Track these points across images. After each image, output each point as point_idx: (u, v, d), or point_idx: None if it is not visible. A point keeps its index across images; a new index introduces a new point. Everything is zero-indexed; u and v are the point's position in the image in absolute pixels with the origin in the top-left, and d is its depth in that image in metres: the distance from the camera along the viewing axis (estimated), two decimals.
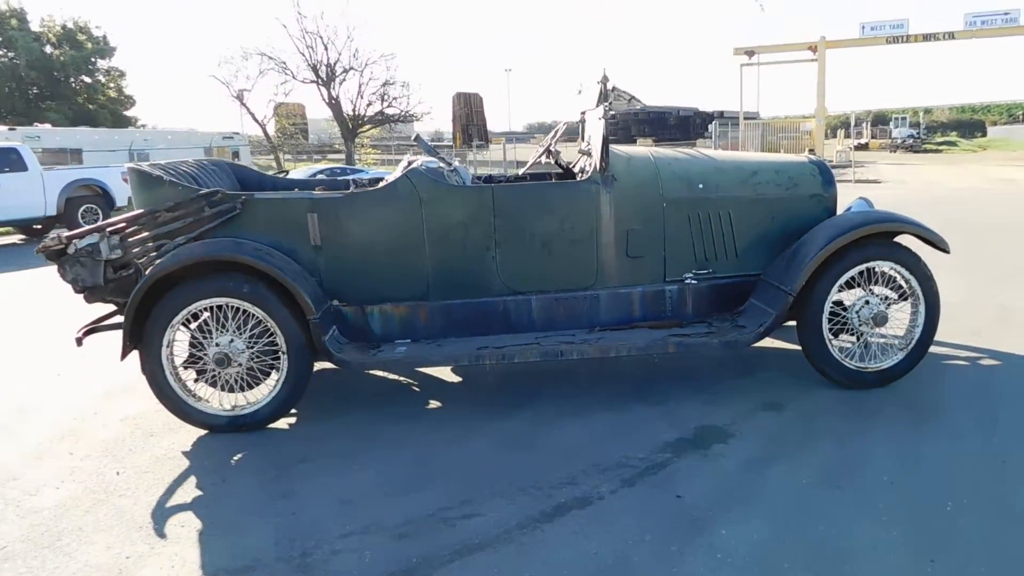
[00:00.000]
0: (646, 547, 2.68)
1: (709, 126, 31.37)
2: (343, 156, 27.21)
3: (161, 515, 3.10)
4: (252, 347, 3.85)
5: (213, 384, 3.97)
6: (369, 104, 27.51)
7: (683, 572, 2.53)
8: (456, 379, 4.67)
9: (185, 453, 3.73)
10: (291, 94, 29.11)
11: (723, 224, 4.20)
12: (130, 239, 3.85)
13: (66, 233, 3.84)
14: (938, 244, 4.10)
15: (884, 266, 4.00)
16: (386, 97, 27.15)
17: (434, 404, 4.30)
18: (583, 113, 4.39)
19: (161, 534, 2.95)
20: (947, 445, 3.40)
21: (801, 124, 28.28)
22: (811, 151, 5.33)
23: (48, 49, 34.95)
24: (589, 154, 4.41)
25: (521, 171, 5.36)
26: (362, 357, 3.90)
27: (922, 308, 4.05)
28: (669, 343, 3.90)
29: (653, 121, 50.26)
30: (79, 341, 3.93)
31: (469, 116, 36.35)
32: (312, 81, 26.90)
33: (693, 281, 4.18)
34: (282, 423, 4.02)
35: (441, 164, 4.15)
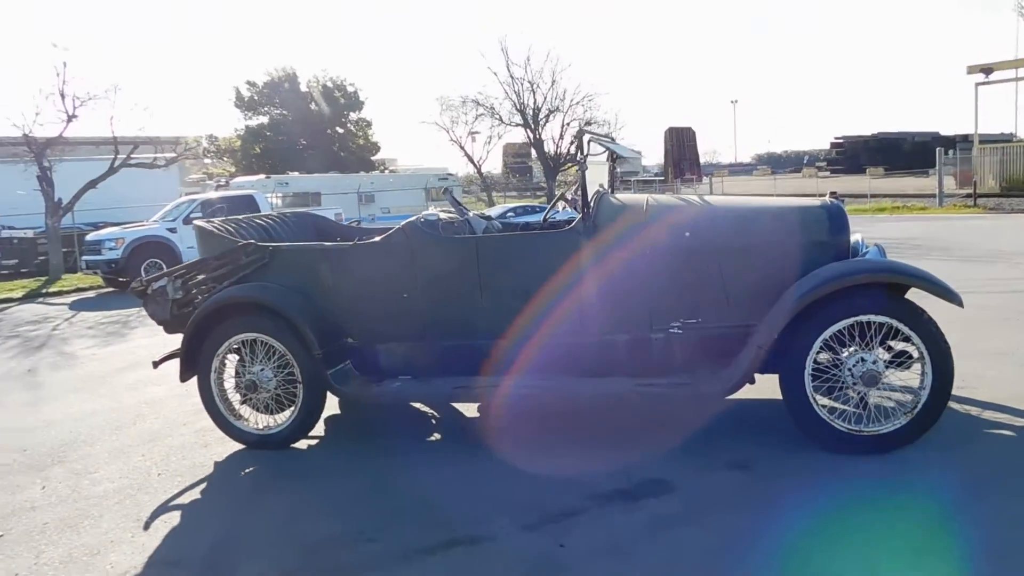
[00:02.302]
0: None
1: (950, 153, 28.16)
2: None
3: (159, 511, 3.78)
4: (278, 376, 4.48)
5: (255, 407, 4.65)
6: (572, 143, 28.44)
7: None
8: (475, 414, 4.95)
9: (217, 463, 4.42)
10: (504, 136, 31.19)
11: (712, 272, 4.08)
12: (189, 282, 4.69)
13: (146, 278, 4.78)
14: (949, 298, 3.65)
15: (879, 320, 3.65)
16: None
17: (435, 437, 4.64)
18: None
19: (146, 526, 3.61)
20: (897, 526, 3.04)
21: None
22: (833, 193, 4.64)
23: (312, 106, 40.61)
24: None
25: (542, 218, 5.54)
26: (358, 391, 4.37)
27: (928, 368, 3.62)
28: (636, 391, 3.89)
29: (886, 148, 45.59)
30: (155, 365, 4.83)
31: (681, 151, 36.20)
32: (519, 124, 28.59)
33: (679, 331, 4.10)
34: (303, 443, 4.59)
35: (442, 216, 4.52)
